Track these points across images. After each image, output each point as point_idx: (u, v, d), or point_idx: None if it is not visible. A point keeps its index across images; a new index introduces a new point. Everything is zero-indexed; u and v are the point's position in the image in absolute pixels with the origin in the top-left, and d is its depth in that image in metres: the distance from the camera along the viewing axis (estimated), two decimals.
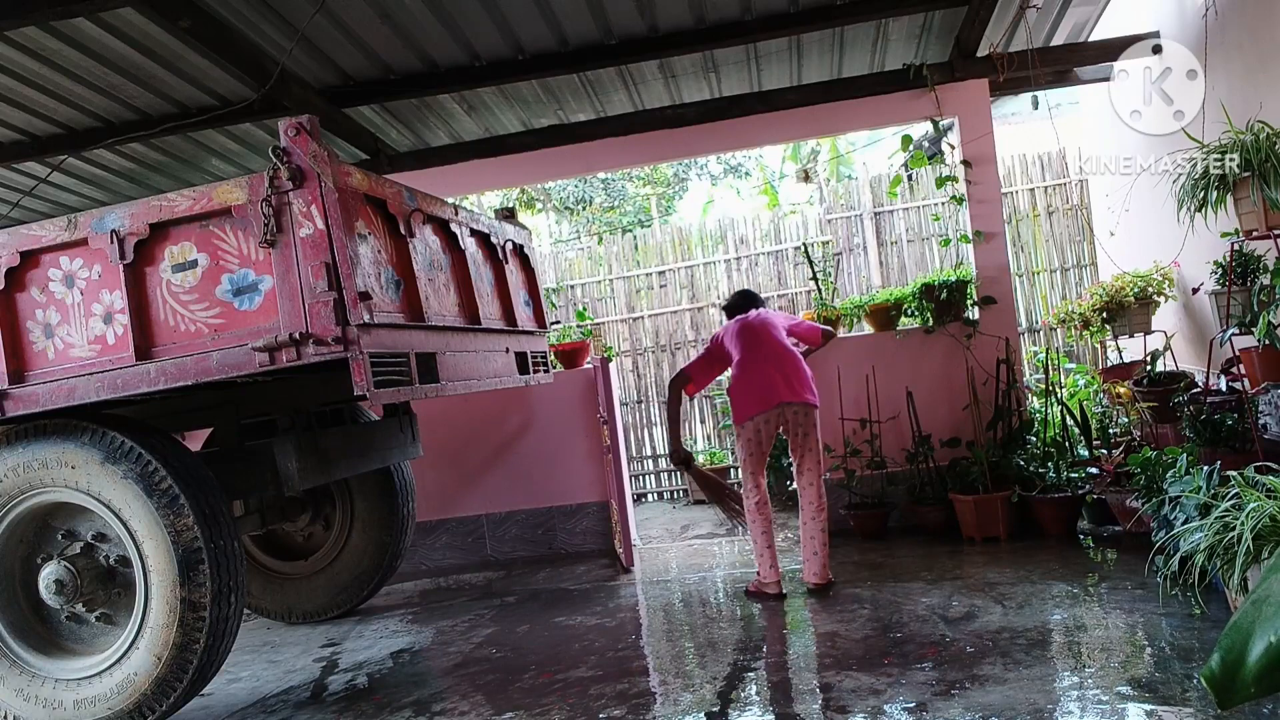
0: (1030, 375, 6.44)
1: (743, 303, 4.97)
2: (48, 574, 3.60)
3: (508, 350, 4.47)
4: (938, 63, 5.73)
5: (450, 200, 4.13)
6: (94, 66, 4.60)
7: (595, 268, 8.89)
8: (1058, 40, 5.97)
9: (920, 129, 7.07)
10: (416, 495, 5.38)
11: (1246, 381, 4.23)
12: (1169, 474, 3.76)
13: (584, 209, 14.92)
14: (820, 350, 5.12)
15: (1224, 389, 4.37)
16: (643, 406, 8.58)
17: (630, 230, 11.69)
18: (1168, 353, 5.28)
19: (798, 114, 5.95)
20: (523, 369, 4.62)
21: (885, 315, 5.94)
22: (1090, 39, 6.12)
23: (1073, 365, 7.22)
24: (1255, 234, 4.01)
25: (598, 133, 6.14)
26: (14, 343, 3.44)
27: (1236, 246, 4.26)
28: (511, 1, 4.52)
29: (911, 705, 3.05)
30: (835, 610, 4.22)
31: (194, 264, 3.27)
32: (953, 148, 6.37)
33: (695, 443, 8.39)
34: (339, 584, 5.18)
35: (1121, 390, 5.51)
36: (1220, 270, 4.55)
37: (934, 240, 8.13)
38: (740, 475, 4.71)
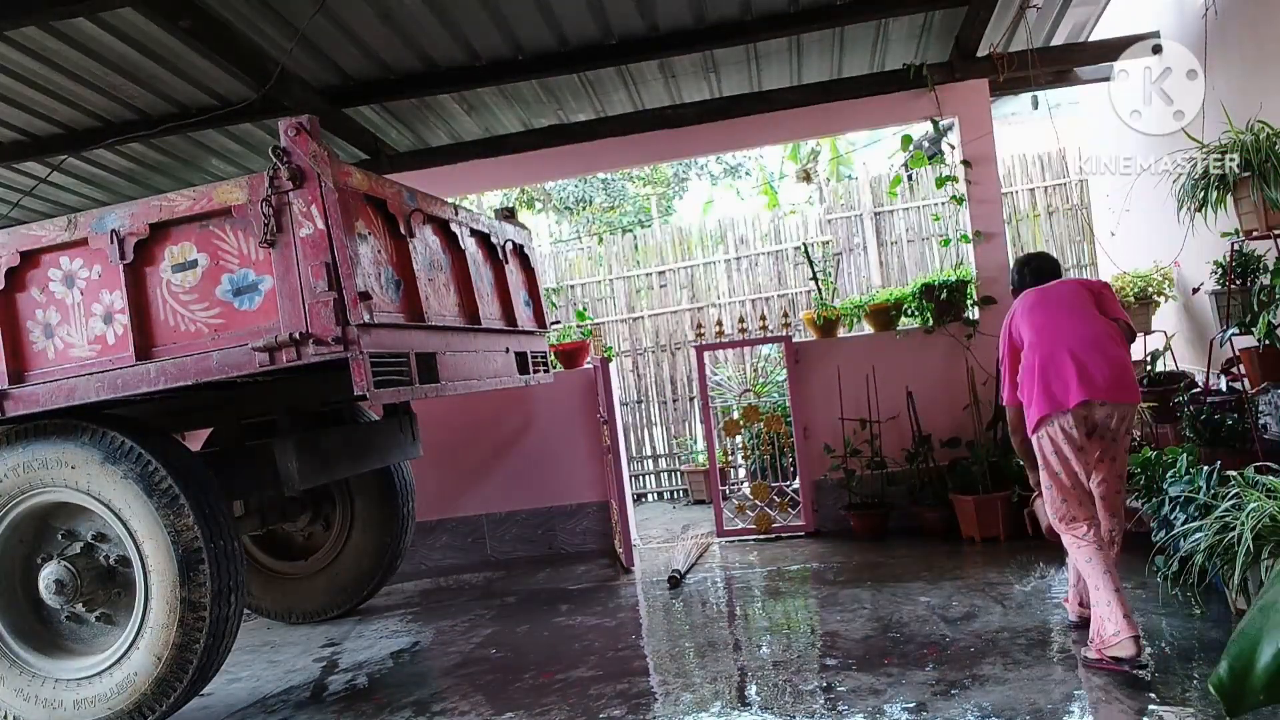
0: None
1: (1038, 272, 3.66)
2: (48, 574, 3.60)
3: (508, 350, 4.47)
4: (938, 63, 5.73)
5: (450, 200, 4.13)
6: (94, 66, 4.61)
7: (595, 268, 8.89)
8: (1058, 40, 5.97)
9: (920, 129, 7.07)
10: (416, 495, 5.37)
11: (1246, 381, 4.23)
12: (1169, 474, 3.76)
13: (584, 209, 14.91)
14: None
15: (1224, 389, 4.37)
16: (643, 406, 8.57)
17: (630, 230, 11.68)
18: (1168, 353, 5.28)
19: (798, 114, 5.96)
20: (523, 369, 4.63)
21: (885, 315, 5.94)
22: (1090, 39, 6.12)
23: None
24: (1255, 234, 4.02)
25: (598, 133, 6.14)
26: (14, 343, 3.44)
27: (1236, 246, 4.26)
28: (511, 1, 4.52)
29: (911, 705, 3.05)
30: (835, 610, 4.22)
31: (194, 264, 3.27)
32: (953, 148, 6.37)
33: (695, 442, 8.39)
34: (339, 584, 5.18)
35: None
36: (1220, 270, 4.55)
37: (934, 240, 8.13)
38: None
